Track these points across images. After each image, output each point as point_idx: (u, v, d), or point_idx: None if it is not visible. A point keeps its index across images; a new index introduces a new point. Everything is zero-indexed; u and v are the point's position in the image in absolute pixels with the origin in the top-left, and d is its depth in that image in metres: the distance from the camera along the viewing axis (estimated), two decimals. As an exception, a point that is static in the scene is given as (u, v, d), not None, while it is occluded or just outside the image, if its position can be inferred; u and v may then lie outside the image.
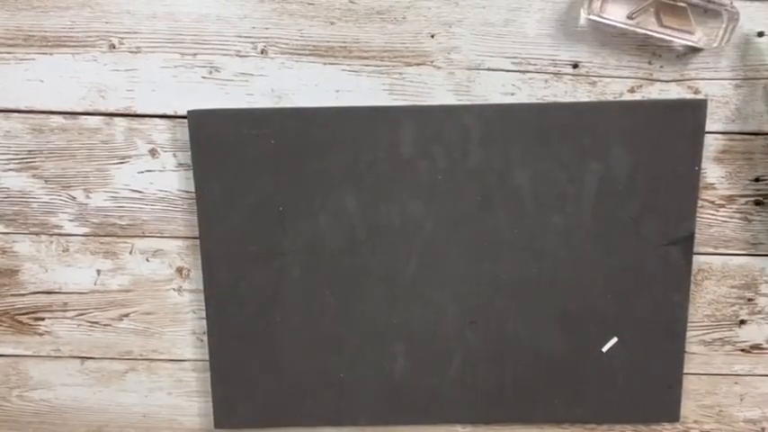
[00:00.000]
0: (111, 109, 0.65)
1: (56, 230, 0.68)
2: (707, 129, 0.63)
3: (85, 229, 0.68)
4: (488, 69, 0.64)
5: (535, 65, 0.64)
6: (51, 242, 0.69)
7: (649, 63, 0.63)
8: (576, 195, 0.64)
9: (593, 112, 0.62)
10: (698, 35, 0.61)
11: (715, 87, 0.64)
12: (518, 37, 0.63)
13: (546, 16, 0.62)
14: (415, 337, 0.67)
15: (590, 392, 0.69)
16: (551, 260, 0.65)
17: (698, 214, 0.66)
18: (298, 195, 0.64)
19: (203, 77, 0.64)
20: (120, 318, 0.71)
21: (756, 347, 0.70)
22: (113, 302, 0.70)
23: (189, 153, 0.65)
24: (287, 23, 0.63)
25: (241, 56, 0.64)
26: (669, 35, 0.61)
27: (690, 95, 0.64)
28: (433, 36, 0.63)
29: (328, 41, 0.63)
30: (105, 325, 0.71)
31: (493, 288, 0.66)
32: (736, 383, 0.71)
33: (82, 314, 0.71)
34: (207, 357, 0.69)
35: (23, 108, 0.65)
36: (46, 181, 0.67)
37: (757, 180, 0.66)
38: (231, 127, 0.63)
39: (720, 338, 0.70)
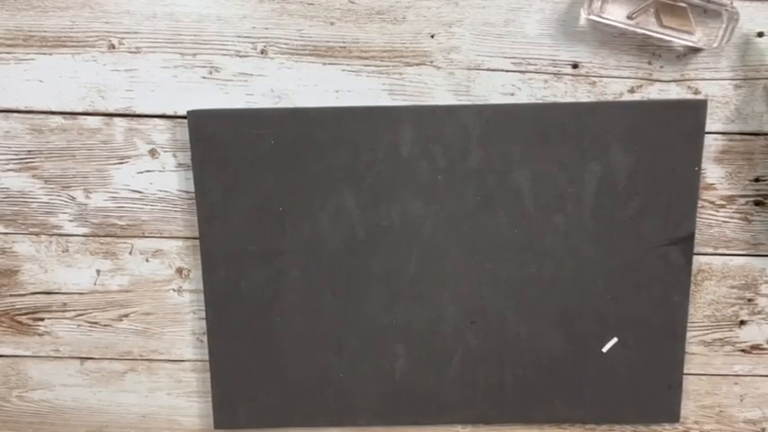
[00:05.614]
0: (111, 109, 0.65)
1: (56, 231, 0.68)
2: (707, 129, 0.63)
3: (85, 230, 0.68)
4: (488, 69, 0.64)
5: (535, 65, 0.64)
6: (51, 242, 0.69)
7: (649, 63, 0.63)
8: (576, 195, 0.64)
9: (593, 112, 0.62)
10: (698, 35, 0.61)
11: (715, 87, 0.64)
12: (518, 37, 0.63)
13: (546, 16, 0.62)
14: (415, 337, 0.67)
15: (590, 392, 0.69)
16: (551, 260, 0.65)
17: (698, 214, 0.66)
18: (298, 195, 0.64)
19: (203, 77, 0.64)
20: (120, 318, 0.71)
21: (756, 348, 0.70)
22: (113, 303, 0.70)
23: (189, 153, 0.65)
24: (287, 23, 0.63)
25: (241, 56, 0.64)
26: (669, 35, 0.61)
27: (690, 95, 0.64)
28: (433, 36, 0.63)
29: (328, 41, 0.63)
30: (105, 325, 0.71)
31: (493, 288, 0.66)
32: (736, 384, 0.71)
33: (82, 314, 0.71)
34: (207, 357, 0.69)
35: (23, 108, 0.65)
36: (46, 181, 0.67)
37: (757, 180, 0.66)
38: (231, 127, 0.63)
39: (720, 339, 0.70)
